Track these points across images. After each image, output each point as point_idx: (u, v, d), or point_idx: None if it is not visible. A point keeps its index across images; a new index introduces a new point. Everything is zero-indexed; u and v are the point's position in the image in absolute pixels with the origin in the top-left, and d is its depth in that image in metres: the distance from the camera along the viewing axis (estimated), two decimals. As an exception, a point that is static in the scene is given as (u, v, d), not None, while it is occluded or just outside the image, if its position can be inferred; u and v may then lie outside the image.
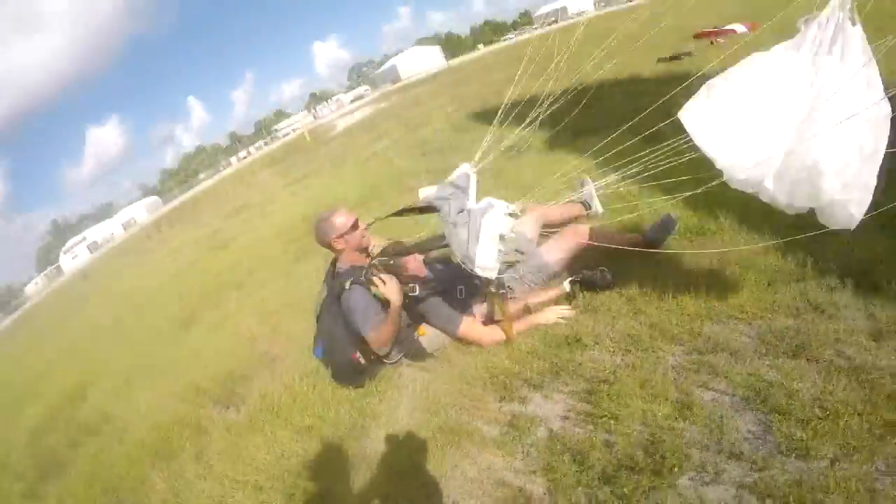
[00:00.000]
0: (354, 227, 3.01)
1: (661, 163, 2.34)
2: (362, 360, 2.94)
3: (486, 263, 2.37)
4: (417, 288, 2.86)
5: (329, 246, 3.03)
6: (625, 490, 1.72)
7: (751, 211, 2.91)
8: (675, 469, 1.72)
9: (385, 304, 2.79)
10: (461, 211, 2.51)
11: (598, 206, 3.53)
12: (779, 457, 1.65)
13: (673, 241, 2.98)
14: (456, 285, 2.96)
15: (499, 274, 2.50)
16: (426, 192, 2.86)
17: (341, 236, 2.97)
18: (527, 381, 2.44)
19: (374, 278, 2.77)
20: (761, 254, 2.52)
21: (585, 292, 2.82)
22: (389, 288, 2.75)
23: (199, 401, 3.96)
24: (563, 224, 3.36)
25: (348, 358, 2.93)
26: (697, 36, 9.17)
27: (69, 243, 62.66)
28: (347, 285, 2.82)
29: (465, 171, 2.77)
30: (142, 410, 4.42)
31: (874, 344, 1.87)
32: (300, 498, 2.45)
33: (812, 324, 2.04)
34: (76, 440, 4.61)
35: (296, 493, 2.48)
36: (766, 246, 2.52)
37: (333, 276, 3.07)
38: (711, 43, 8.21)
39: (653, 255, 2.79)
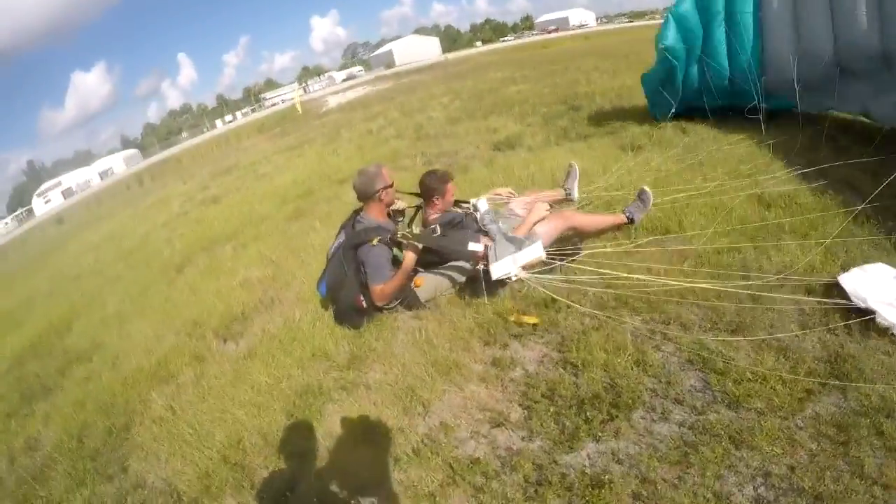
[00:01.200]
0: (392, 185, 3.45)
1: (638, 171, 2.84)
2: (364, 304, 3.29)
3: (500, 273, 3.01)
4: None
5: (372, 196, 3.39)
6: (588, 416, 2.14)
7: (707, 218, 3.43)
8: (631, 405, 2.14)
9: (397, 266, 3.22)
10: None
11: (575, 194, 4.11)
12: (715, 405, 2.07)
13: (642, 233, 3.45)
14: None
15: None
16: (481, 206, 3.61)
17: (386, 188, 3.39)
18: (508, 331, 2.86)
19: (405, 243, 3.19)
20: (713, 252, 3.01)
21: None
22: (410, 257, 3.17)
23: (196, 333, 4.15)
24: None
25: (352, 300, 3.29)
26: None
27: (44, 186, 60.51)
28: (375, 241, 3.19)
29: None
30: (135, 341, 4.54)
31: (802, 333, 2.31)
32: (300, 414, 2.70)
33: (751, 311, 2.48)
34: (64, 367, 4.66)
35: (295, 413, 2.72)
36: (718, 247, 3.01)
37: (354, 225, 3.45)
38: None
39: (620, 242, 3.36)
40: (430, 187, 3.61)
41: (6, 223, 54.36)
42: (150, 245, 8.72)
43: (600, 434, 2.07)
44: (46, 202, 53.64)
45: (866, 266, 2.51)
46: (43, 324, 6.44)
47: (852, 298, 2.33)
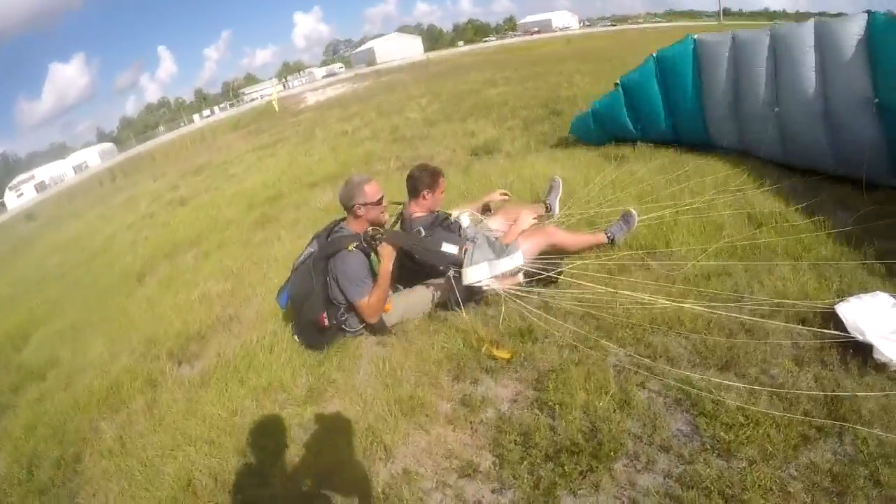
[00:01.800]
0: (379, 202, 3.11)
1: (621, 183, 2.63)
2: (327, 322, 3.05)
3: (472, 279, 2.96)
4: None
5: (349, 209, 3.11)
6: (565, 468, 1.91)
7: (695, 236, 3.24)
8: (612, 454, 1.92)
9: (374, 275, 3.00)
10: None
11: (556, 209, 3.99)
12: (704, 454, 1.87)
13: (626, 254, 3.24)
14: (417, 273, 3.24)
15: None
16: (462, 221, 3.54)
17: (365, 205, 3.06)
18: (480, 364, 2.62)
19: (380, 247, 2.95)
20: (703, 276, 2.81)
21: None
22: (387, 253, 2.95)
23: (151, 354, 3.90)
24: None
25: (316, 316, 3.04)
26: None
27: (16, 180, 58.48)
28: (351, 247, 2.95)
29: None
30: (90, 358, 4.30)
31: (796, 368, 2.12)
32: (252, 455, 2.48)
33: (743, 344, 2.29)
34: (17, 384, 4.43)
35: (247, 451, 2.51)
36: (709, 269, 2.82)
37: (329, 235, 3.18)
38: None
39: (609, 256, 3.19)
40: (420, 181, 3.34)
41: (-23, 217, 52.68)
42: (113, 249, 8.36)
43: (579, 488, 1.86)
44: (19, 196, 51.88)
45: (864, 295, 2.33)
46: (0, 333, 6.08)
47: (850, 330, 2.15)
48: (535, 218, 3.44)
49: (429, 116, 10.84)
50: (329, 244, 3.07)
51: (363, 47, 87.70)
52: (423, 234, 3.18)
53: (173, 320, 4.35)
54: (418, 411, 2.43)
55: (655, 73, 5.06)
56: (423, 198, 3.36)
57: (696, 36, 4.77)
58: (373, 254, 3.03)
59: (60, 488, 2.84)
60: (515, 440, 2.12)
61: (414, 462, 2.19)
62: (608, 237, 3.37)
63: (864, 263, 2.68)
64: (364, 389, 2.70)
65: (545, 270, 3.05)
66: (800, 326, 2.30)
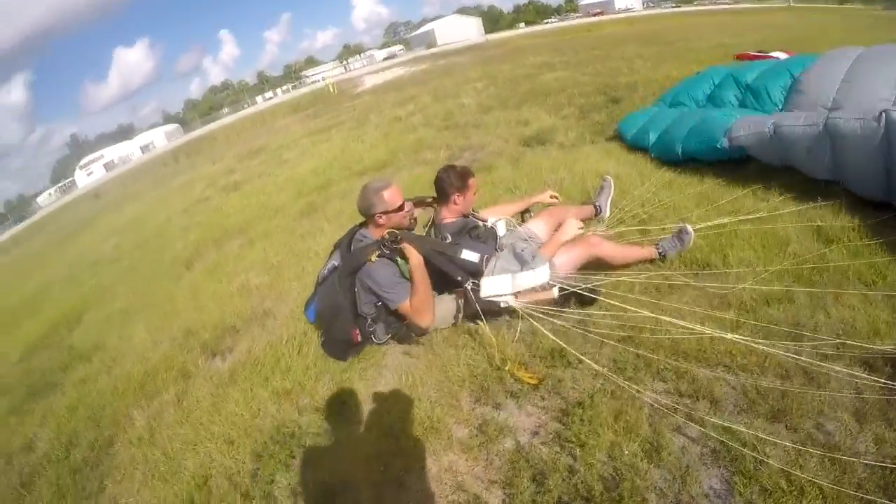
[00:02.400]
0: (401, 207, 2.90)
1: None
2: (360, 338, 2.93)
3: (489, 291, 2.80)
4: None
5: (369, 218, 2.93)
6: (577, 522, 1.73)
7: (756, 252, 2.91)
8: (631, 508, 1.72)
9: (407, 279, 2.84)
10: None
11: (606, 212, 3.74)
12: (735, 523, 1.63)
13: (676, 272, 2.94)
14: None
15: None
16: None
17: (386, 213, 2.87)
18: (504, 386, 2.44)
19: (404, 247, 2.80)
20: (762, 302, 2.49)
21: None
22: (413, 253, 2.79)
23: (188, 344, 3.99)
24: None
25: (347, 334, 2.92)
26: (738, 56, 8.91)
27: (86, 159, 62.61)
28: (374, 257, 2.78)
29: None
30: (133, 343, 4.47)
31: (856, 425, 1.82)
32: (267, 458, 2.46)
33: (798, 390, 1.99)
34: (67, 364, 4.68)
35: (263, 455, 2.49)
36: (769, 294, 2.50)
37: (350, 245, 2.98)
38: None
39: (658, 272, 2.91)
40: (448, 183, 3.13)
41: (49, 194, 56.47)
42: (167, 233, 8.65)
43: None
44: (88, 174, 55.44)
45: None
46: (56, 314, 6.49)
47: None
48: (581, 225, 3.09)
49: (483, 102, 10.54)
50: (351, 257, 2.88)
51: (422, 29, 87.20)
52: (450, 241, 3.00)
53: (212, 311, 4.43)
54: (433, 435, 2.28)
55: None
56: (454, 202, 3.16)
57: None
58: (398, 258, 2.86)
59: (91, 470, 2.96)
60: (531, 478, 1.94)
61: (422, 491, 2.06)
62: (659, 253, 3.05)
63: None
64: (382, 406, 2.59)
65: (578, 287, 2.78)
66: (864, 375, 1.95)
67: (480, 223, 3.26)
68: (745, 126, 3.87)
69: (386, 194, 2.84)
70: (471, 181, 3.17)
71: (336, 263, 2.96)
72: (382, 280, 2.79)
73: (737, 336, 2.17)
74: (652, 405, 2.08)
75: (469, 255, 2.82)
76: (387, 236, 2.82)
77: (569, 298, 2.82)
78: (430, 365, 2.76)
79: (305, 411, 2.72)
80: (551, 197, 3.61)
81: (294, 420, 2.67)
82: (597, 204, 3.71)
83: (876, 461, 1.67)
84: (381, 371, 2.88)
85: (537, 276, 2.71)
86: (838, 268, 2.62)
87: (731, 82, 4.98)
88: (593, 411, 2.11)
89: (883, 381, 1.89)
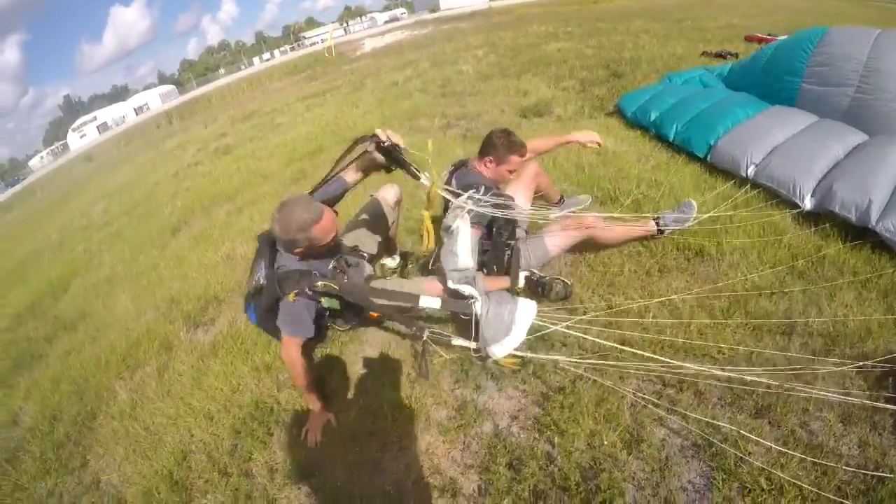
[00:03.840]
0: (331, 231, 2.38)
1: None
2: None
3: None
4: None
5: (289, 250, 2.40)
6: (552, 510, 1.69)
7: (751, 240, 2.83)
8: (608, 500, 1.69)
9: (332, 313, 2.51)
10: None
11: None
12: (711, 519, 1.60)
13: (671, 249, 2.87)
14: None
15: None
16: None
17: (309, 247, 2.37)
18: (486, 368, 2.38)
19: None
20: (754, 294, 2.43)
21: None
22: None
23: (171, 314, 3.95)
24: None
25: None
26: (748, 38, 8.67)
27: (79, 121, 61.40)
28: (293, 298, 2.32)
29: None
30: (118, 313, 4.43)
31: (841, 426, 1.78)
32: (245, 435, 2.45)
33: (785, 386, 1.93)
34: (52, 334, 4.66)
35: (242, 431, 2.48)
36: (761, 285, 2.45)
37: (274, 264, 2.45)
38: (760, 49, 7.77)
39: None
40: (491, 145, 2.76)
41: (42, 157, 55.71)
42: (156, 198, 8.48)
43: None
44: (82, 137, 54.50)
45: None
46: (44, 281, 6.45)
47: None
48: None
49: (482, 70, 10.26)
50: (270, 289, 2.38)
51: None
52: (476, 192, 2.58)
53: (196, 280, 4.36)
54: (411, 416, 2.25)
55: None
56: (485, 164, 2.81)
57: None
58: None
59: (74, 445, 2.95)
60: (507, 463, 1.91)
61: (398, 473, 2.04)
62: (658, 227, 2.90)
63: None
64: (362, 385, 2.54)
65: (547, 287, 2.67)
66: (853, 367, 1.92)
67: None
68: (727, 148, 3.77)
69: (315, 230, 2.30)
70: (512, 158, 2.78)
71: (262, 282, 2.46)
72: (288, 317, 2.35)
73: (719, 346, 2.10)
74: (634, 394, 2.03)
75: (429, 303, 2.37)
76: (318, 286, 2.32)
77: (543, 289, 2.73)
78: (412, 342, 2.70)
79: (285, 387, 2.69)
80: (591, 143, 3.09)
81: (273, 396, 2.66)
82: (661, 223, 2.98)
83: (859, 466, 1.63)
84: (362, 346, 2.82)
85: (516, 336, 2.30)
86: (834, 262, 2.56)
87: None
88: (574, 398, 2.07)
89: (860, 399, 1.83)
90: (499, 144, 2.75)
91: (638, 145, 4.56)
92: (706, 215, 3.01)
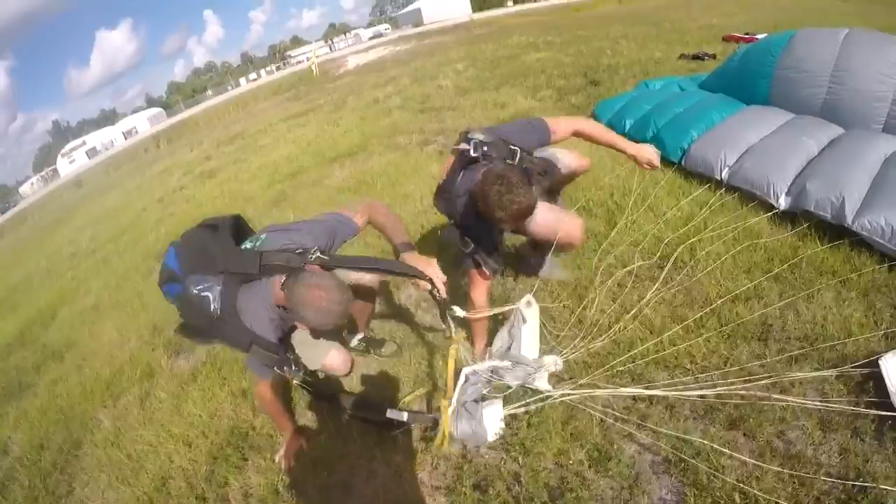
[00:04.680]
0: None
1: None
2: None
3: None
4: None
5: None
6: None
7: (727, 245, 2.83)
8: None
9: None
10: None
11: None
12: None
13: (646, 258, 2.87)
14: None
15: None
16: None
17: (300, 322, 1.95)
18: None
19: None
20: (729, 299, 2.41)
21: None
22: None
23: (154, 341, 3.97)
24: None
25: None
26: (727, 38, 8.76)
27: (68, 147, 61.33)
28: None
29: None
30: (104, 341, 4.44)
31: (820, 433, 1.74)
32: (221, 460, 2.47)
33: (761, 394, 1.88)
34: (40, 363, 4.64)
35: (219, 457, 2.50)
36: (736, 293, 2.42)
37: (235, 293, 1.97)
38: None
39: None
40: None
41: (32, 184, 55.50)
42: (141, 225, 8.45)
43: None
44: (71, 162, 54.24)
45: None
46: (33, 310, 6.41)
47: (890, 395, 1.74)
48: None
49: (462, 84, 10.33)
50: (218, 329, 1.99)
51: (409, 7, 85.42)
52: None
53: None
54: (380, 438, 2.23)
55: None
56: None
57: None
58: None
59: (61, 473, 2.95)
60: (474, 484, 1.89)
61: (370, 497, 2.02)
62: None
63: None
64: (333, 405, 2.50)
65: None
66: (831, 374, 1.89)
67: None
68: (701, 152, 3.78)
69: (327, 362, 2.20)
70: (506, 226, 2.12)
71: (215, 312, 1.95)
72: (253, 359, 2.03)
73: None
74: (605, 409, 2.01)
75: (394, 415, 2.11)
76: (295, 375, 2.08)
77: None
78: (381, 364, 2.73)
79: (259, 412, 2.68)
80: (647, 165, 2.52)
81: (248, 421, 2.67)
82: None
83: (839, 475, 1.60)
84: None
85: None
86: (812, 262, 2.54)
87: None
88: (543, 415, 2.04)
89: (839, 406, 1.79)
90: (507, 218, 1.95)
91: (612, 152, 4.53)
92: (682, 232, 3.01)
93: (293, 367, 2.06)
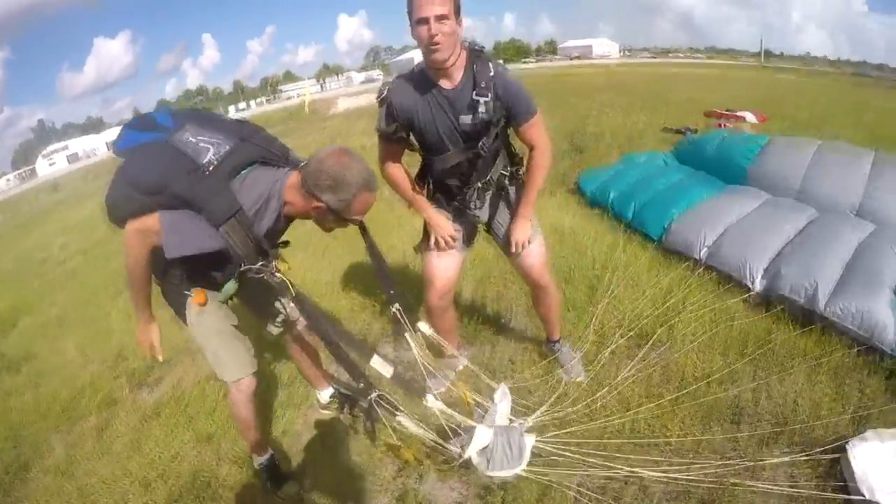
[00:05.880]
0: (352, 223, 1.83)
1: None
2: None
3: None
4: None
5: (308, 190, 1.69)
6: None
7: (703, 325, 2.91)
8: None
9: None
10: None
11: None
12: None
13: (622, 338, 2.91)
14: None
15: None
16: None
17: (332, 211, 1.71)
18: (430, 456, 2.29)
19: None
20: (704, 381, 2.46)
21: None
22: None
23: (117, 369, 3.79)
24: None
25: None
26: (708, 114, 9.22)
27: (50, 148, 60.69)
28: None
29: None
30: (65, 358, 4.26)
31: None
32: None
33: (732, 480, 1.92)
34: None
35: (178, 501, 2.37)
36: (710, 371, 2.50)
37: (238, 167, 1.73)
38: (719, 125, 8.24)
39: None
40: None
41: (8, 180, 54.03)
42: (115, 241, 8.11)
43: None
44: (51, 164, 53.53)
45: (885, 432, 1.94)
46: None
47: (857, 481, 1.80)
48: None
49: (449, 140, 10.55)
50: (205, 189, 1.63)
51: (403, 56, 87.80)
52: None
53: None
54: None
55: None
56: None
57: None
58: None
59: (4, 495, 2.78)
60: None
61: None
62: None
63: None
64: (305, 468, 2.46)
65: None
66: (800, 459, 1.95)
67: None
68: (681, 231, 3.95)
69: (357, 203, 1.73)
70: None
71: (209, 163, 1.67)
72: (181, 222, 1.65)
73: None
74: (580, 488, 2.00)
75: (382, 368, 1.88)
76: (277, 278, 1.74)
77: None
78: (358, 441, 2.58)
79: (224, 461, 2.56)
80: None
81: (212, 469, 2.53)
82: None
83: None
84: (308, 425, 2.75)
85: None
86: (784, 344, 2.65)
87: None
88: (516, 492, 2.02)
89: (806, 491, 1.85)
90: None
91: (596, 224, 4.67)
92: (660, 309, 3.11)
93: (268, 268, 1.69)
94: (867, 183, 3.74)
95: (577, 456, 2.09)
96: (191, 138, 1.70)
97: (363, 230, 2.08)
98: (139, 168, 1.74)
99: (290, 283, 1.73)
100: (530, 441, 2.01)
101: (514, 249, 2.35)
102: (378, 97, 2.12)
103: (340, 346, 1.76)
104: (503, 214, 2.43)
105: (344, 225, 1.81)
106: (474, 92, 2.01)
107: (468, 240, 2.51)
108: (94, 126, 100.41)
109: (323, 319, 1.81)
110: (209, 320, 1.99)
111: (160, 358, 2.14)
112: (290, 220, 1.89)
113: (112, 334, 4.48)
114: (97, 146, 57.68)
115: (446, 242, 2.34)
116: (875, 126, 8.25)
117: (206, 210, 1.60)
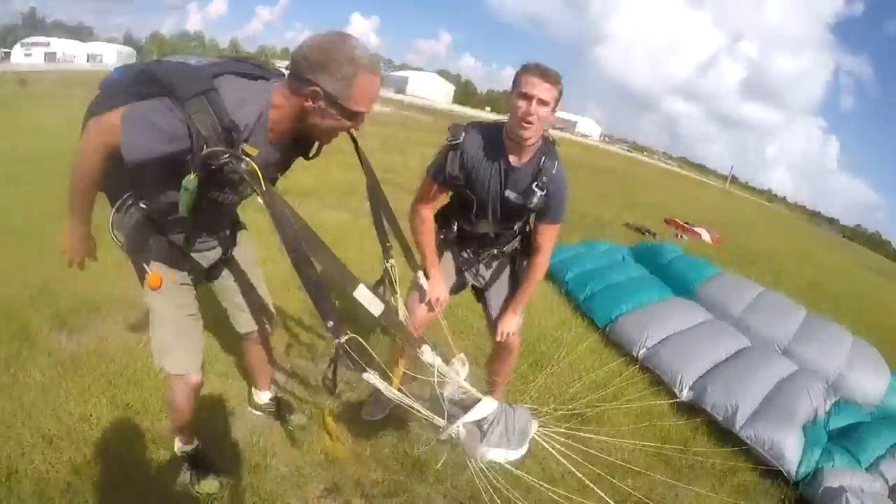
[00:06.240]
0: (353, 116, 1.58)
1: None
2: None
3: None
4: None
5: (299, 79, 1.49)
6: None
7: (632, 420, 3.11)
8: None
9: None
10: None
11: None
12: None
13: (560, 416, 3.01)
14: None
15: None
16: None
17: (332, 103, 1.50)
18: (360, 487, 2.32)
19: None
20: (624, 472, 2.58)
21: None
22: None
23: (40, 300, 3.47)
24: None
25: None
26: (668, 222, 9.67)
27: (31, 39, 56.91)
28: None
29: None
30: None
31: None
32: (85, 481, 2.13)
33: None
34: None
35: (82, 469, 2.17)
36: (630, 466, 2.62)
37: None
38: (676, 235, 8.67)
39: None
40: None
41: (-19, 55, 50.22)
42: (68, 160, 7.71)
43: None
44: (27, 55, 50.09)
45: None
46: None
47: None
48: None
49: (424, 167, 10.54)
50: (182, 77, 1.47)
51: (400, 73, 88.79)
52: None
53: (82, 274, 3.88)
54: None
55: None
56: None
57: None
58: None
59: None
60: None
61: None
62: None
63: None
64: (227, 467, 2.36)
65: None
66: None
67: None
68: (626, 327, 4.22)
69: (357, 87, 1.49)
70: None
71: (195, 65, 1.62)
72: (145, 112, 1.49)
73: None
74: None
75: (370, 302, 1.49)
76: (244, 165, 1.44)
77: None
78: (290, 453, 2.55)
79: (141, 437, 2.41)
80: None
81: (126, 442, 2.36)
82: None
83: None
84: (234, 424, 2.66)
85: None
86: (698, 452, 2.90)
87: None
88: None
89: None
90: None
91: (547, 298, 4.88)
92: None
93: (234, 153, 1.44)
94: (797, 330, 4.16)
95: None
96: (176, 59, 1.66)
97: (356, 146, 1.94)
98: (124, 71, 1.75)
99: (261, 174, 1.42)
100: (534, 427, 1.73)
101: (499, 338, 2.47)
102: (452, 139, 2.20)
103: (312, 265, 1.38)
104: (500, 289, 2.54)
105: (346, 125, 1.60)
106: (535, 183, 2.13)
107: (457, 290, 2.58)
108: (81, 32, 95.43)
109: (292, 224, 1.38)
110: (165, 304, 1.92)
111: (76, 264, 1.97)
112: (283, 148, 1.73)
113: (44, 259, 4.04)
114: (77, 53, 54.61)
115: (433, 304, 2.39)
116: (815, 281, 8.84)
117: (177, 87, 1.43)
